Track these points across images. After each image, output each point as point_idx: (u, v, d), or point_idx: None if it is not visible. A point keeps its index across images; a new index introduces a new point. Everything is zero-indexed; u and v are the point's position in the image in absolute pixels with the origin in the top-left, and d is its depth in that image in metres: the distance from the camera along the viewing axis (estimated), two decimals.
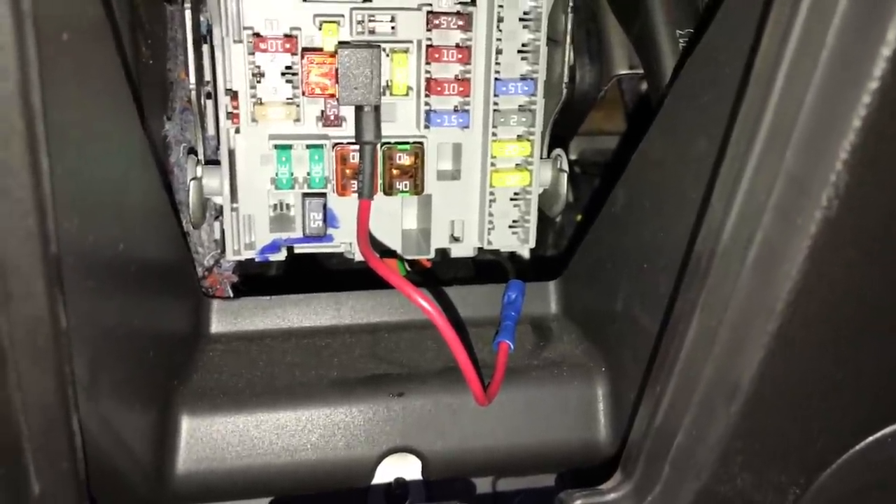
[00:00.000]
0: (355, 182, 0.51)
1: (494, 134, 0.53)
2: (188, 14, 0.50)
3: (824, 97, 0.31)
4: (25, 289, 0.28)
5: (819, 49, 0.30)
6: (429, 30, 0.50)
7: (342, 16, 0.49)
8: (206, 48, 0.51)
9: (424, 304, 0.45)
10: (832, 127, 0.31)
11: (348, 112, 0.51)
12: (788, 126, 0.32)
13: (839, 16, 0.29)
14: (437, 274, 0.66)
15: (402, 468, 0.51)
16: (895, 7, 0.28)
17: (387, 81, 0.50)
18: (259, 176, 0.51)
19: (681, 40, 0.53)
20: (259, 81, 0.49)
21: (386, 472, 0.51)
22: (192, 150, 0.54)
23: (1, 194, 0.26)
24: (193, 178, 0.51)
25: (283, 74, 0.49)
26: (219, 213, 0.55)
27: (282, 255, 0.54)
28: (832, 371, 0.38)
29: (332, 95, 0.49)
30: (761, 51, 0.32)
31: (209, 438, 0.49)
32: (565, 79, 0.55)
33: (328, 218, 0.53)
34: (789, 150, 0.32)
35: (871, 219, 0.33)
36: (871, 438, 0.41)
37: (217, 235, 0.56)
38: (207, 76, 0.51)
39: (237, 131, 0.50)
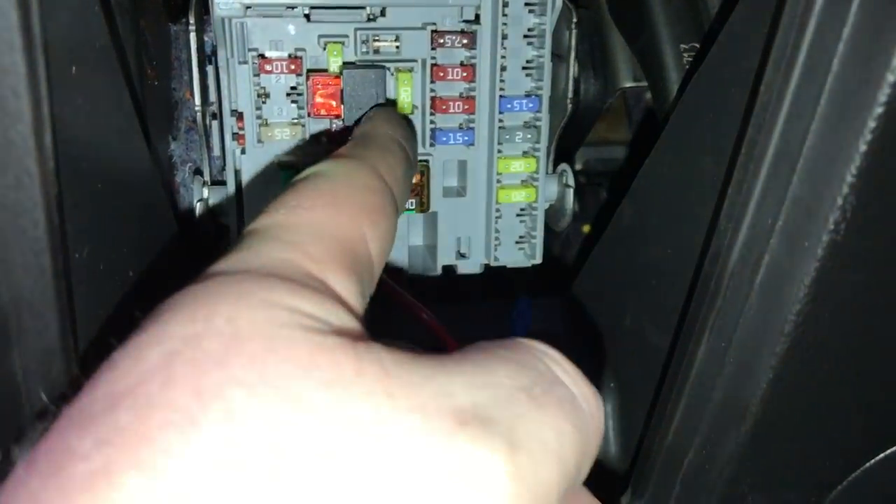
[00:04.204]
0: None
1: (500, 151, 0.53)
2: (192, 35, 0.50)
3: (830, 122, 0.31)
4: (39, 324, 0.28)
5: (825, 74, 0.30)
6: (433, 48, 0.50)
7: (346, 36, 0.49)
8: (210, 68, 0.51)
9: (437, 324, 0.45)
10: (839, 151, 0.31)
11: None
12: (795, 150, 0.32)
13: (844, 41, 0.29)
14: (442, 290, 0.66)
15: None
16: None
17: (392, 100, 0.50)
18: (265, 196, 0.51)
19: (685, 54, 0.53)
20: (264, 102, 0.49)
21: None
22: (197, 171, 0.54)
23: (17, 234, 0.26)
24: (200, 200, 0.51)
25: (288, 95, 0.49)
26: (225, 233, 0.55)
27: None
28: (841, 391, 0.38)
29: (338, 116, 0.50)
30: (766, 76, 0.33)
31: None
32: (570, 94, 0.55)
33: None
34: (796, 174, 0.32)
35: (878, 241, 0.33)
36: (880, 456, 0.41)
37: None
38: (212, 97, 0.51)
39: (243, 152, 0.50)
